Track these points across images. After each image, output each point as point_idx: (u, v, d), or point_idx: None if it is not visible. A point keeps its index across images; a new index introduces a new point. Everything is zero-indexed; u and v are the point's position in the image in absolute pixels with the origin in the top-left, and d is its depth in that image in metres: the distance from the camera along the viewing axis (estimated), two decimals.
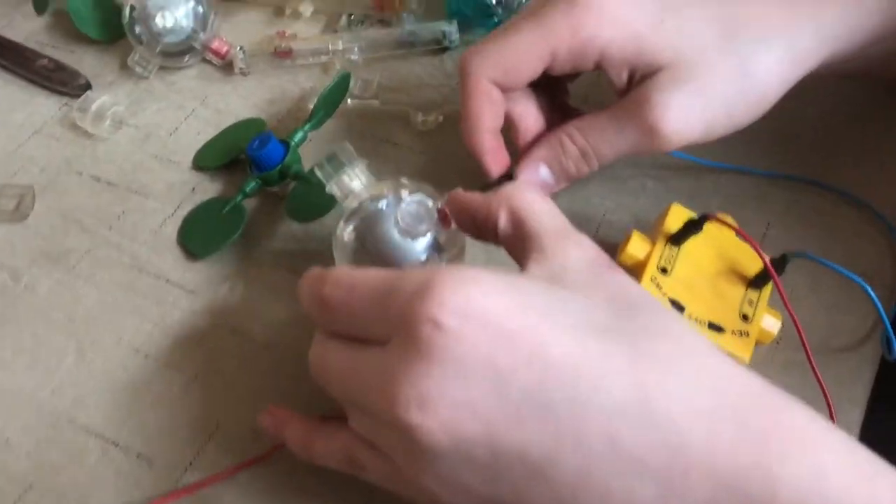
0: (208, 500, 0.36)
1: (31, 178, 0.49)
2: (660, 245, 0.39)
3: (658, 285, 0.38)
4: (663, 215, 0.40)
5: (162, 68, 0.55)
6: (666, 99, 0.37)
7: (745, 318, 0.38)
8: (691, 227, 0.38)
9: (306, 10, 0.57)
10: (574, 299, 0.28)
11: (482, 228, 0.33)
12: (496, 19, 0.53)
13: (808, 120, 0.49)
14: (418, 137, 0.50)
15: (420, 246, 0.36)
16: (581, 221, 0.44)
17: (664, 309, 0.29)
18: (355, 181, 0.38)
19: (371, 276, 0.29)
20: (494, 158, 0.41)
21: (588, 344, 0.26)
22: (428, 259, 0.36)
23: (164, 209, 0.47)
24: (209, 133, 0.51)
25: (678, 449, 0.25)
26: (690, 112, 0.37)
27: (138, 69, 0.54)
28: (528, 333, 0.26)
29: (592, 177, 0.46)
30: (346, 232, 0.37)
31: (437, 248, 0.37)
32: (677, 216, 0.40)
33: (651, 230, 0.41)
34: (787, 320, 0.37)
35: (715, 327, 0.37)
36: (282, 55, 0.55)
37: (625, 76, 0.39)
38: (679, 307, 0.37)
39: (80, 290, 0.44)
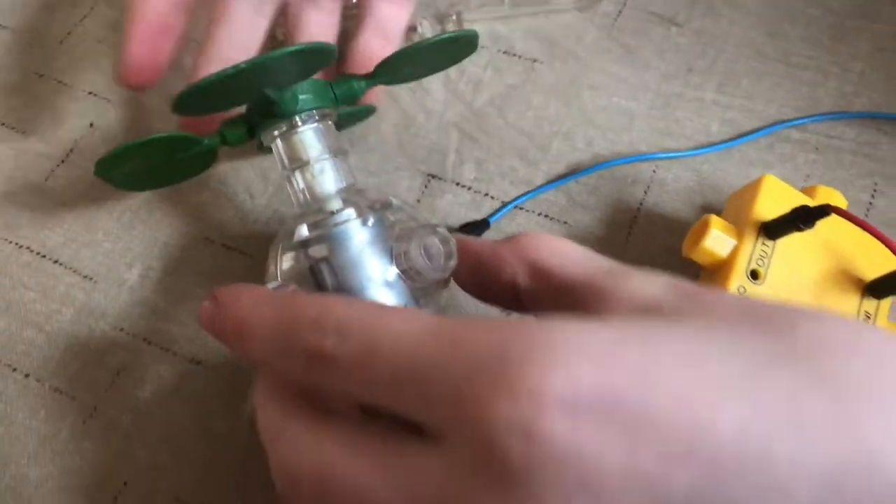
0: None
1: None
2: (749, 238, 0.28)
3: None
4: (751, 192, 0.29)
5: None
6: None
7: None
8: (797, 221, 0.27)
9: None
10: (704, 334, 0.17)
11: (490, 285, 0.24)
12: None
13: None
14: None
15: (400, 298, 0.23)
16: (617, 184, 0.32)
17: (810, 309, 0.18)
18: (330, 179, 0.25)
19: (405, 329, 0.17)
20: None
21: (761, 398, 0.16)
22: None
23: (53, 153, 0.35)
24: (113, 43, 0.37)
25: None
26: None
27: None
28: (678, 412, 0.16)
29: (637, 110, 0.34)
30: (292, 255, 0.24)
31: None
32: (772, 194, 0.28)
33: (730, 209, 0.30)
34: None
35: None
36: None
37: None
38: None
39: None
